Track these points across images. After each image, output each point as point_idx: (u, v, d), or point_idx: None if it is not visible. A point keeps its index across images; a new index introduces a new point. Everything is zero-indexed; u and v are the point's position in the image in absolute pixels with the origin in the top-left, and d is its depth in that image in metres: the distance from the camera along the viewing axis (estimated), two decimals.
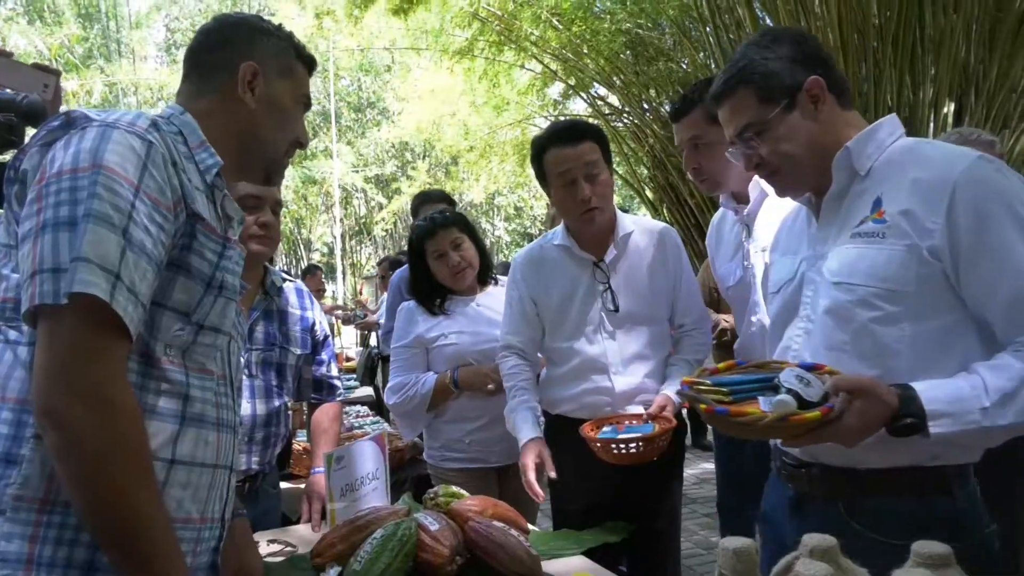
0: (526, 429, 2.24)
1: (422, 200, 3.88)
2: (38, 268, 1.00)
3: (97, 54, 19.63)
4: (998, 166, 1.31)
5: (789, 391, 1.23)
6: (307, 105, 1.41)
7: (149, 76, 17.10)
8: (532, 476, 2.16)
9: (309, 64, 1.41)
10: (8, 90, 1.64)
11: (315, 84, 22.25)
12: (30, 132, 1.61)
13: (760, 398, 1.28)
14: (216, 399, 1.24)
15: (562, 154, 2.19)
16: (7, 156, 1.69)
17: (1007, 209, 1.25)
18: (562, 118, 11.90)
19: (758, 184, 2.12)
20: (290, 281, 2.32)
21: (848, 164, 1.42)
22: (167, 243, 1.11)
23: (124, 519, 1.01)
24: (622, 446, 2.02)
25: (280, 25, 1.39)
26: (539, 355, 2.46)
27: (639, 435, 2.04)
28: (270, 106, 1.32)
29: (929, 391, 1.24)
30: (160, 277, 1.11)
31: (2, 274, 1.10)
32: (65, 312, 0.99)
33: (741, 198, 2.22)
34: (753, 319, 2.17)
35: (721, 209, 2.36)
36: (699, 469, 6.08)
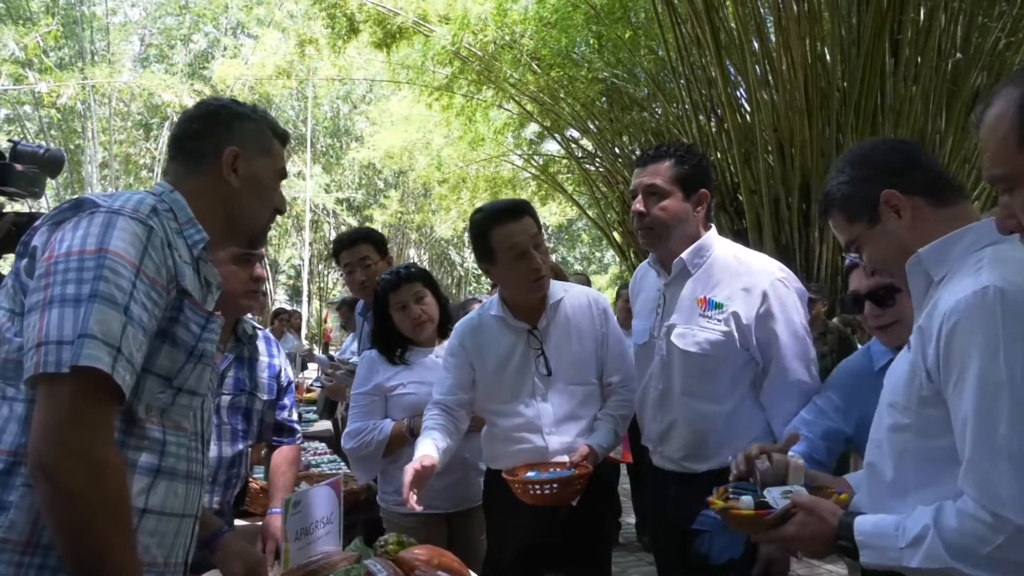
0: (424, 448, 2.26)
1: (338, 248, 3.39)
2: (44, 339, 1.10)
3: (72, 60, 19.48)
4: (1006, 301, 1.22)
5: (760, 497, 1.47)
6: (282, 176, 1.53)
7: (127, 81, 16.87)
8: (408, 478, 2.14)
9: (283, 139, 1.52)
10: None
11: (293, 108, 22.18)
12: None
13: (742, 497, 1.51)
14: (188, 454, 1.35)
15: (510, 229, 2.32)
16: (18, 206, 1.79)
17: (986, 353, 1.20)
18: (536, 158, 12.14)
19: (682, 260, 2.20)
20: (259, 329, 2.42)
21: (921, 270, 1.41)
22: (159, 316, 1.22)
23: (104, 564, 1.11)
24: (538, 487, 2.17)
25: (255, 106, 1.52)
26: (465, 414, 2.51)
27: (554, 478, 2.18)
28: (252, 183, 1.43)
29: (863, 522, 1.32)
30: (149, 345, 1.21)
31: (5, 337, 1.20)
32: (66, 380, 1.09)
33: (666, 265, 2.27)
34: (649, 384, 2.30)
35: (646, 264, 2.44)
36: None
